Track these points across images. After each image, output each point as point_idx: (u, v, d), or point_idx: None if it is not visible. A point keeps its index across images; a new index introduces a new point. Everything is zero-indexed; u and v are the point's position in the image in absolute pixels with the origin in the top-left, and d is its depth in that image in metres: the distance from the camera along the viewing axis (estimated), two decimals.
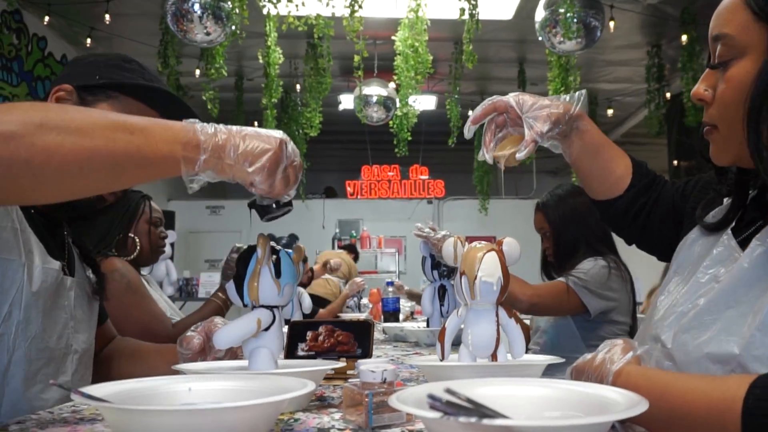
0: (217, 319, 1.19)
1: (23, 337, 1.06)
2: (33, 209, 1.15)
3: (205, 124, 0.88)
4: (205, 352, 1.18)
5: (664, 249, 1.17)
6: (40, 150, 0.77)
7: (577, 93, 1.10)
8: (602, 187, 1.19)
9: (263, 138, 0.89)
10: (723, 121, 0.88)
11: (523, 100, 1.08)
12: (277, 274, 0.99)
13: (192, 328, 1.18)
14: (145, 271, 2.45)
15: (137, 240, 2.23)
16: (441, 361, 1.03)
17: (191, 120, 0.88)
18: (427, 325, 2.07)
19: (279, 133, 0.91)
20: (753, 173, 0.90)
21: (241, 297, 1.00)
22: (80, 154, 0.79)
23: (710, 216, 0.96)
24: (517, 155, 1.07)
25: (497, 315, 0.99)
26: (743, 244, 0.86)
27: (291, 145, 0.92)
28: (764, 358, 0.71)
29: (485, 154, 1.12)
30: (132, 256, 2.21)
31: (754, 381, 0.65)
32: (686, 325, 0.82)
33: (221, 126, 0.88)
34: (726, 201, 0.97)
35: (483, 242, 1.01)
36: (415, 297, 3.98)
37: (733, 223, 0.91)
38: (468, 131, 1.12)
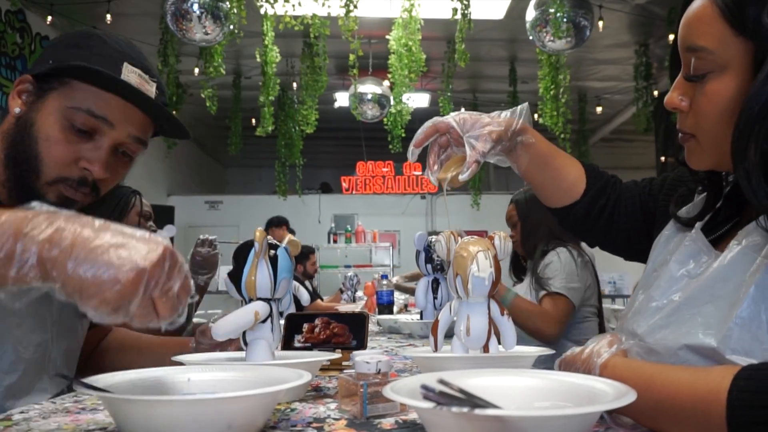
0: (221, 312, 1.21)
1: None
2: None
3: (45, 220, 0.66)
4: (224, 343, 1.19)
5: (630, 249, 1.16)
6: None
7: (519, 107, 1.08)
8: (557, 195, 1.18)
9: (119, 260, 0.63)
10: (702, 132, 0.87)
11: (464, 120, 1.05)
12: (274, 268, 1.01)
13: (211, 321, 1.19)
14: None
15: None
16: (434, 352, 1.05)
17: (31, 205, 0.68)
18: (421, 318, 2.08)
19: (151, 253, 0.64)
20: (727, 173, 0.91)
21: (239, 290, 1.02)
22: None
23: (684, 211, 0.96)
24: (460, 177, 1.05)
25: (489, 308, 1.00)
26: (718, 242, 0.87)
27: (169, 264, 0.66)
28: (741, 351, 0.72)
29: (430, 176, 1.10)
30: None
31: (738, 372, 0.66)
32: (664, 321, 0.83)
33: (70, 227, 0.65)
34: (698, 197, 0.96)
35: (475, 237, 1.02)
36: (404, 290, 3.99)
37: (707, 218, 0.91)
38: (412, 155, 1.10)
